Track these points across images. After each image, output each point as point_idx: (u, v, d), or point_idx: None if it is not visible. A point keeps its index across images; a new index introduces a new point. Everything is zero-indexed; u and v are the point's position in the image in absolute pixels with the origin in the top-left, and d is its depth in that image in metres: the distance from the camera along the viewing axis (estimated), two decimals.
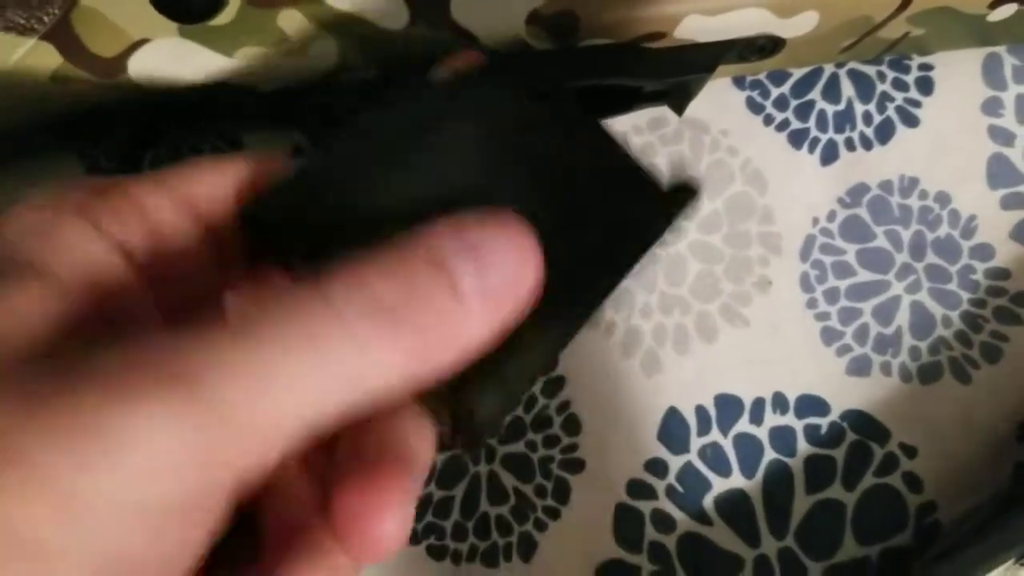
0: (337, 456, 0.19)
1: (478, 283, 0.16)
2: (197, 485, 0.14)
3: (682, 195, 0.22)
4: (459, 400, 0.18)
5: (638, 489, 0.31)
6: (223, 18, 0.24)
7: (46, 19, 0.24)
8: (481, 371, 0.18)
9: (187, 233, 0.19)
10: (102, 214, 0.18)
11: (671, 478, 0.31)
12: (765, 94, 0.34)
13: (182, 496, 0.14)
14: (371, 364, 0.15)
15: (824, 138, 0.34)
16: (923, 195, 0.34)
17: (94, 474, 0.13)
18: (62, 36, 0.24)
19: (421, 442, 0.19)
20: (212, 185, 0.19)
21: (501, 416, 0.19)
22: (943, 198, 0.34)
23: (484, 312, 0.16)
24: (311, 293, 0.15)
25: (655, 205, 0.22)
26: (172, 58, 0.24)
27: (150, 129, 0.26)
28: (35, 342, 0.15)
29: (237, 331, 0.15)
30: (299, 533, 0.19)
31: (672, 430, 0.32)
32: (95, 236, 0.17)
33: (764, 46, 0.29)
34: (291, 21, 0.24)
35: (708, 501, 0.31)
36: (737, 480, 0.31)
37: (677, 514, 0.31)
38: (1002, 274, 0.33)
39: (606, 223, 0.21)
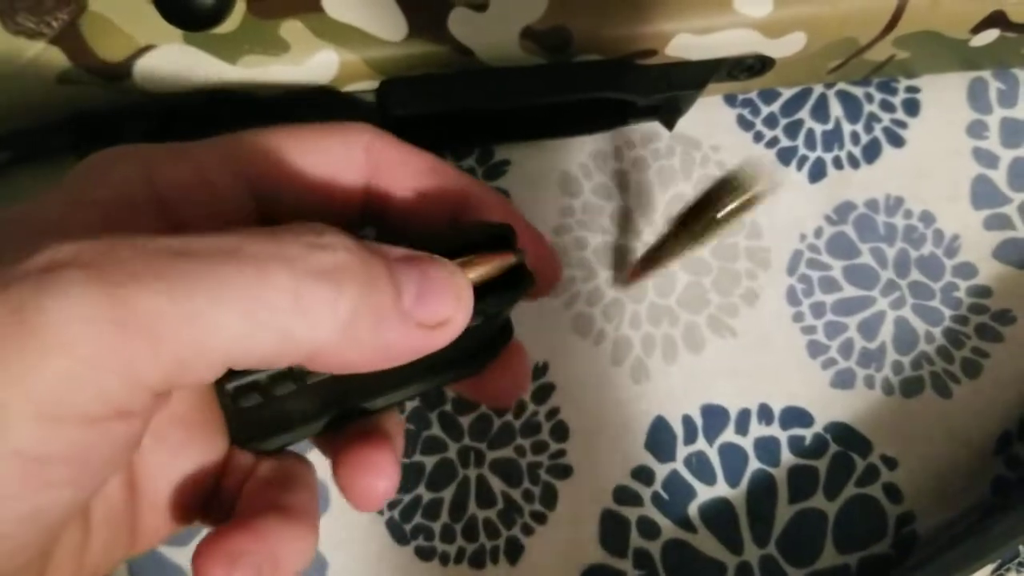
0: (337, 439, 0.22)
1: (415, 303, 0.18)
2: (113, 396, 0.15)
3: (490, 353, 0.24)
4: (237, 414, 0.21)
5: (624, 496, 0.32)
6: (227, 27, 0.25)
7: (55, 24, 0.24)
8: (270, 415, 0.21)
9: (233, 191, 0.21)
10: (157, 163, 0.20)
11: (657, 486, 0.32)
12: (755, 112, 0.35)
13: (98, 405, 0.15)
14: (300, 323, 0.16)
15: (812, 156, 0.35)
16: (908, 214, 0.34)
17: (12, 387, 0.14)
18: (70, 40, 0.24)
19: (396, 427, 0.23)
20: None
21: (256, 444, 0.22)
22: (927, 217, 0.34)
23: (413, 328, 0.18)
24: (272, 242, 0.17)
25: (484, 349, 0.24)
26: (176, 64, 0.25)
27: (156, 133, 0.27)
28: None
29: (194, 257, 0.16)
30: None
31: (659, 438, 0.32)
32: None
33: (753, 65, 0.30)
34: (293, 32, 0.25)
35: (693, 509, 0.32)
36: (722, 489, 0.32)
37: (662, 521, 0.32)
38: (984, 292, 0.34)
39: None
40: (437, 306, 0.18)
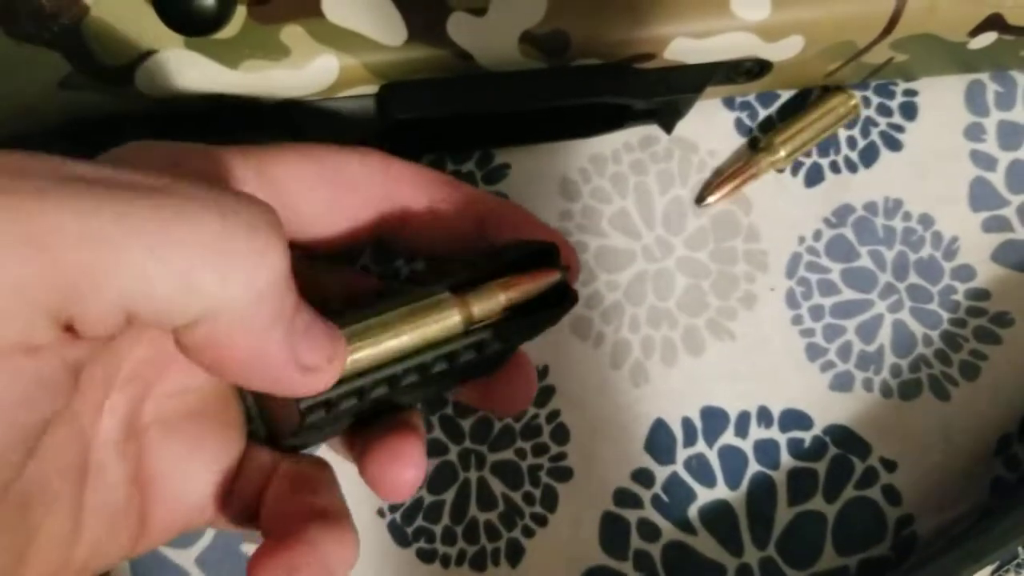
0: (360, 435, 0.22)
1: (303, 334, 0.18)
2: (10, 320, 0.14)
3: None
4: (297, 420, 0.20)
5: (625, 498, 0.32)
6: (228, 32, 0.25)
7: (56, 28, 0.25)
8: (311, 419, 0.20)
9: None
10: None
11: (657, 488, 0.32)
12: (753, 115, 0.35)
13: None
14: (211, 272, 0.15)
15: (808, 162, 0.35)
16: (907, 217, 0.34)
17: None
18: (72, 45, 0.24)
19: (418, 419, 0.23)
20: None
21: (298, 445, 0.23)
22: (926, 220, 0.34)
23: (291, 355, 0.18)
24: (210, 188, 0.16)
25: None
26: (178, 69, 0.25)
27: (157, 138, 0.27)
28: None
29: (112, 184, 0.15)
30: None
31: (659, 441, 0.32)
32: None
33: (751, 69, 0.30)
34: (293, 36, 0.25)
35: (693, 511, 0.32)
36: (721, 491, 0.32)
37: (662, 523, 0.32)
38: (982, 295, 0.34)
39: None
40: (316, 349, 0.18)
